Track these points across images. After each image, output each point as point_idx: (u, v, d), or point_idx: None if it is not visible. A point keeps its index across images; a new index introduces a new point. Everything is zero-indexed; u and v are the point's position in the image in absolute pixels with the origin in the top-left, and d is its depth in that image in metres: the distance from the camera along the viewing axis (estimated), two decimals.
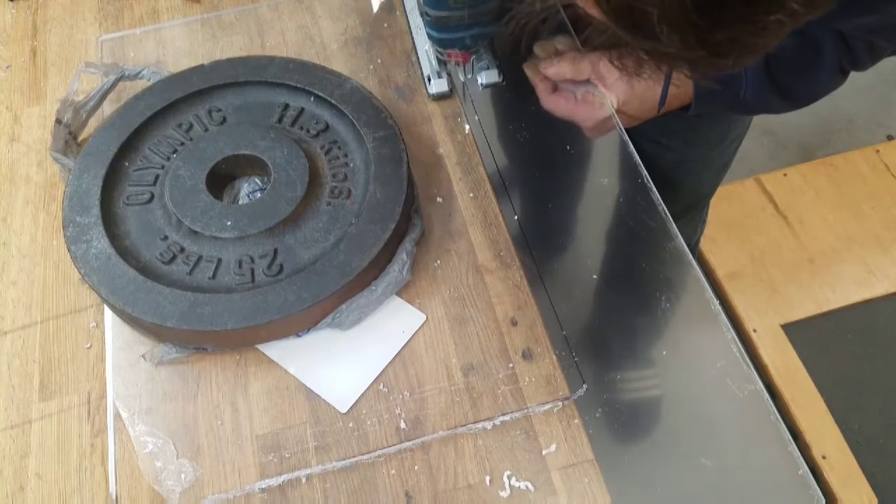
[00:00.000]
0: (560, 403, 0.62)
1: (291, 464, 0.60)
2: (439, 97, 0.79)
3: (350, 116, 0.72)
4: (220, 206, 0.67)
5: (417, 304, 0.67)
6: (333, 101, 0.73)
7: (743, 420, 0.57)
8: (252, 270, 0.65)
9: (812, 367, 1.44)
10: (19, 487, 0.60)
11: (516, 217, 0.74)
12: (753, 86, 0.68)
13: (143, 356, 0.64)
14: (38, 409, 0.63)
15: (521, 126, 0.84)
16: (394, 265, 0.66)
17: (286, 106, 0.75)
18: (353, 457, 0.60)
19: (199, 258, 0.66)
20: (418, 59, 0.82)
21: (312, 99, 0.74)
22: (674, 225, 0.59)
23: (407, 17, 0.85)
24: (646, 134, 0.82)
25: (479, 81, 0.76)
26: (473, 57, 0.74)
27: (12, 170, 0.78)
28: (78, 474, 0.60)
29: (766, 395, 0.52)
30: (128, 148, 0.71)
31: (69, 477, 0.60)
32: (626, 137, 0.65)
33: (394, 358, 0.64)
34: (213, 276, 0.65)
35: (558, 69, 0.69)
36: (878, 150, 1.72)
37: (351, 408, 0.62)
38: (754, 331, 1.48)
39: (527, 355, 0.64)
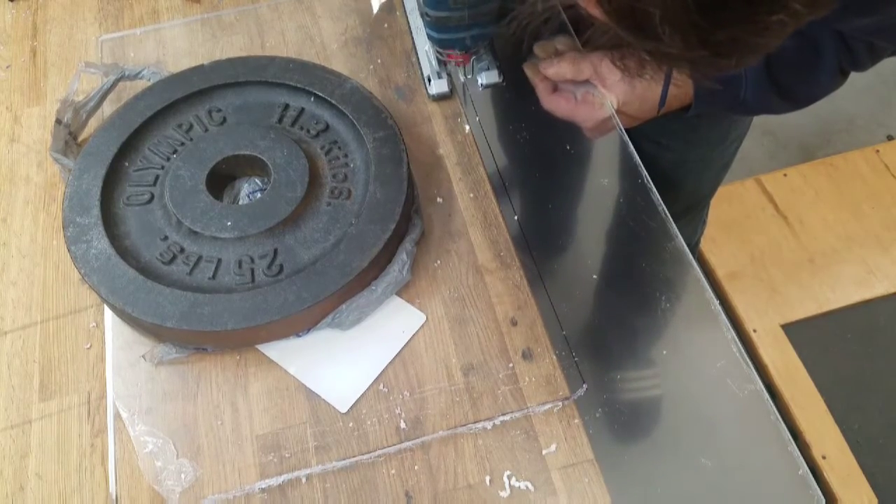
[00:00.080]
0: (560, 403, 0.62)
1: (291, 464, 0.60)
2: (439, 98, 0.79)
3: (350, 116, 0.72)
4: (220, 207, 0.67)
5: (417, 304, 0.67)
6: (333, 102, 0.73)
7: (743, 420, 0.57)
8: (252, 271, 0.65)
9: (812, 367, 1.44)
10: (19, 487, 0.60)
11: (516, 217, 0.74)
12: (753, 86, 0.68)
13: (143, 356, 0.64)
14: (38, 409, 0.63)
15: (522, 126, 0.84)
16: (394, 265, 0.66)
17: (286, 106, 0.75)
18: (353, 457, 0.60)
19: (199, 258, 0.66)
20: (418, 59, 0.82)
21: (312, 99, 0.74)
22: (674, 225, 0.59)
23: (407, 17, 0.85)
24: (646, 134, 0.82)
25: (480, 82, 0.76)
26: (474, 58, 0.74)
27: (12, 170, 0.78)
28: (78, 474, 0.60)
29: (766, 395, 0.52)
30: (128, 148, 0.71)
31: (69, 477, 0.60)
32: (626, 138, 0.65)
33: (394, 358, 0.64)
34: (213, 277, 0.65)
35: (558, 69, 0.69)
36: (878, 150, 1.72)
37: (351, 408, 0.62)
38: (754, 331, 1.48)
39: (527, 355, 0.64)
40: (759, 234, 1.61)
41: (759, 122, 1.64)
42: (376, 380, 0.63)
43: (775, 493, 0.54)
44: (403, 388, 0.63)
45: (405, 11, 0.86)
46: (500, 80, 0.76)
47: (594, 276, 0.75)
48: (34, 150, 0.79)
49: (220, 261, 0.65)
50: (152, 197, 0.69)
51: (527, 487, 0.58)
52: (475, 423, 0.61)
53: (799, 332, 1.48)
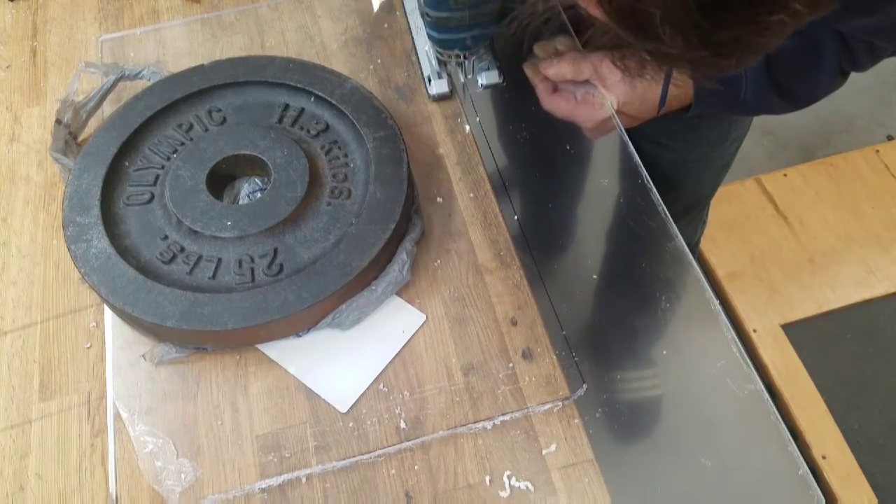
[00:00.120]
0: (560, 403, 0.62)
1: (291, 464, 0.60)
2: (440, 98, 0.79)
3: (350, 116, 0.72)
4: (220, 206, 0.67)
5: (417, 304, 0.67)
6: (333, 102, 0.73)
7: (743, 420, 0.57)
8: (252, 270, 0.65)
9: (812, 367, 1.44)
10: (19, 487, 0.60)
11: (516, 217, 0.74)
12: (753, 87, 0.68)
13: (143, 356, 0.64)
14: (38, 409, 0.63)
15: (522, 126, 0.84)
16: (394, 265, 0.66)
17: (286, 106, 0.75)
18: (353, 457, 0.60)
19: (199, 258, 0.66)
20: (418, 59, 0.82)
21: (312, 99, 0.74)
22: (674, 225, 0.59)
23: (407, 17, 0.85)
24: (646, 134, 0.82)
25: (480, 82, 0.76)
26: (474, 58, 0.74)
27: (12, 170, 0.78)
28: (78, 474, 0.60)
29: (766, 395, 0.52)
30: (128, 148, 0.71)
31: (69, 477, 0.60)
32: (627, 138, 0.65)
33: (394, 358, 0.64)
34: (213, 276, 0.65)
35: (558, 70, 0.69)
36: (878, 150, 1.72)
37: (351, 408, 0.62)
38: (754, 331, 1.48)
39: (527, 355, 0.64)
40: (759, 234, 1.61)
41: (759, 122, 1.64)
42: (376, 380, 0.63)
43: (775, 493, 0.54)
44: (403, 387, 0.63)
45: (405, 11, 0.86)
46: (501, 81, 0.76)
47: (594, 276, 0.75)
48: (34, 150, 0.79)
49: (220, 260, 0.65)
50: (152, 196, 0.69)
51: (527, 487, 0.58)
52: (475, 423, 0.61)
53: (799, 332, 1.48)
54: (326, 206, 0.68)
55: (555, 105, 0.71)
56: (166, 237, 0.67)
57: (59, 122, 0.74)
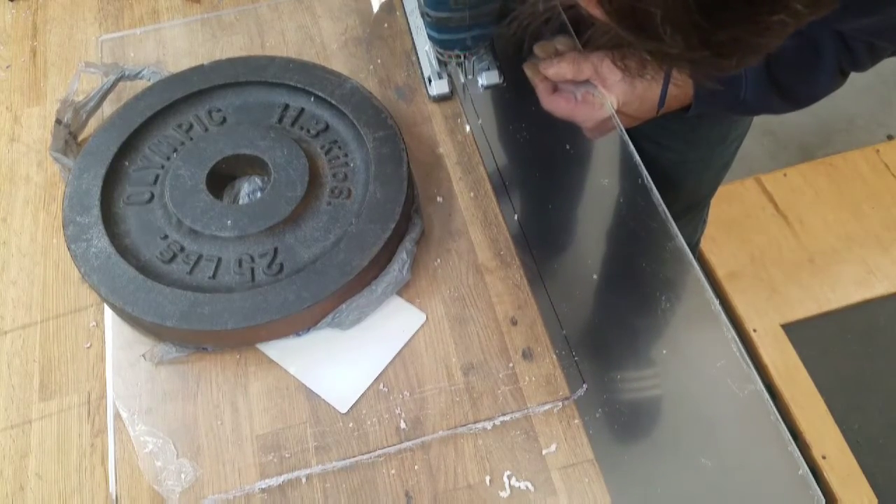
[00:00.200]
0: (560, 403, 0.62)
1: (291, 464, 0.60)
2: (440, 98, 0.79)
3: (350, 116, 0.72)
4: (220, 206, 0.67)
5: (417, 303, 0.67)
6: (333, 102, 0.73)
7: (743, 420, 0.57)
8: (252, 270, 0.65)
9: (812, 367, 1.44)
10: (19, 487, 0.60)
11: (516, 217, 0.74)
12: (753, 86, 0.68)
13: (143, 356, 0.64)
14: (38, 409, 0.63)
15: (522, 126, 0.84)
16: (394, 265, 0.66)
17: (286, 106, 0.75)
18: (353, 457, 0.60)
19: (200, 257, 0.66)
20: (418, 59, 0.82)
21: (312, 99, 0.74)
22: (674, 225, 0.59)
23: (407, 17, 0.85)
24: (646, 134, 0.82)
25: (480, 82, 0.76)
26: (475, 58, 0.74)
27: (12, 170, 0.78)
28: (78, 474, 0.60)
29: (766, 395, 0.52)
30: (128, 148, 0.71)
31: (69, 477, 0.60)
32: (627, 138, 0.65)
33: (394, 358, 0.64)
34: (214, 276, 0.65)
35: (558, 70, 0.69)
36: (878, 150, 1.72)
37: (351, 408, 0.62)
38: (754, 331, 1.48)
39: (527, 355, 0.64)
40: (759, 234, 1.61)
41: (759, 122, 1.64)
42: (376, 380, 0.63)
43: (775, 493, 0.54)
44: (403, 387, 0.63)
45: (405, 11, 0.86)
46: (501, 81, 0.76)
47: (594, 276, 0.75)
48: (34, 150, 0.79)
49: (220, 260, 0.65)
50: (152, 196, 0.69)
51: (527, 487, 0.58)
52: (475, 423, 0.61)
53: (799, 332, 1.48)
54: (326, 206, 0.68)
55: (555, 105, 0.71)
56: (166, 237, 0.67)
57: (59, 121, 0.74)
